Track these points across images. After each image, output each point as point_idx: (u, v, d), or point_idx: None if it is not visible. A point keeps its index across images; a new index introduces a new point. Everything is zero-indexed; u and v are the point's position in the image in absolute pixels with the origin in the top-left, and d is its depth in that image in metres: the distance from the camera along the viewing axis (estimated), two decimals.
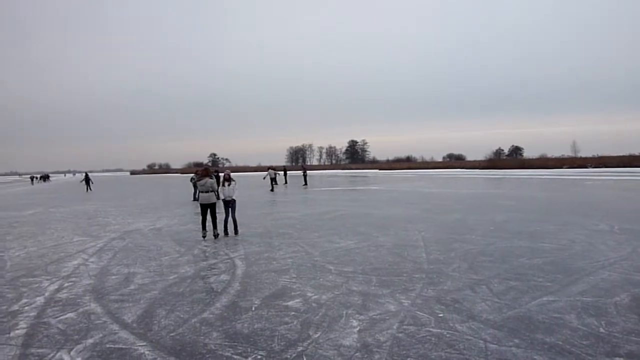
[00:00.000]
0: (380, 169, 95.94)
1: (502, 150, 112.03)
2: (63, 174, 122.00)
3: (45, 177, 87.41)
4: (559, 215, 12.16)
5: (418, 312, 4.73)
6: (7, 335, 4.44)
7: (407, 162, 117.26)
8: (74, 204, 22.10)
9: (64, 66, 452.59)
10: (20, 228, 13.04)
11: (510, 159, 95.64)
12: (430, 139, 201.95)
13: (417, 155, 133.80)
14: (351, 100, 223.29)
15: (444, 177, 45.02)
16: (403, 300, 5.14)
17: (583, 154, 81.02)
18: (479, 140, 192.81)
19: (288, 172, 38.79)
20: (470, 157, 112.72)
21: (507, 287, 5.56)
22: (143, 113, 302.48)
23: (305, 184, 33.47)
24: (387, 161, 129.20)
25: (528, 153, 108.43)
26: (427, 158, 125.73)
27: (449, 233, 9.84)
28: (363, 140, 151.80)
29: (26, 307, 5.34)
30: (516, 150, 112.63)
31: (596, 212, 12.76)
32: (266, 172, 30.64)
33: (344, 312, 4.77)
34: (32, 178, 78.03)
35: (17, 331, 4.54)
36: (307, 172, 36.98)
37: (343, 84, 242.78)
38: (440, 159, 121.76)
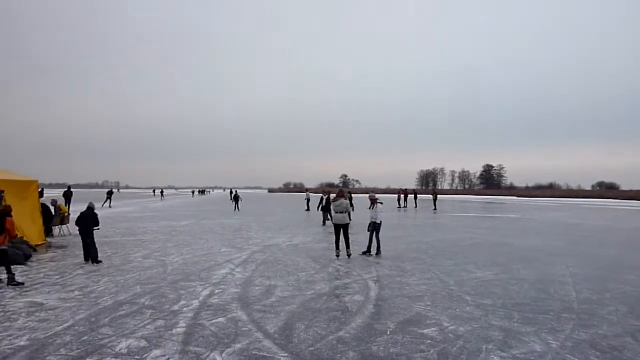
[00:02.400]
0: (518, 196, 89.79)
1: None
2: (211, 190, 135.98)
3: (202, 192, 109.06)
4: None
5: (569, 356, 4.34)
6: (171, 332, 5.02)
7: (549, 190, 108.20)
8: (222, 218, 24.21)
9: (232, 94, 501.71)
10: (178, 237, 14.66)
11: None
12: (577, 164, 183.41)
13: (561, 182, 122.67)
14: (487, 122, 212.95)
15: (593, 208, 40.66)
16: (550, 341, 4.75)
17: None
18: (637, 168, 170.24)
19: (418, 195, 37.93)
20: (625, 187, 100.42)
21: None
22: (280, 137, 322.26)
23: (435, 208, 32.66)
24: (527, 188, 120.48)
25: None
26: (574, 186, 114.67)
27: (603, 270, 8.88)
28: (500, 165, 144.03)
29: (184, 309, 5.98)
30: None
31: None
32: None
33: (484, 347, 4.56)
34: (192, 192, 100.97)
35: (178, 329, 5.11)
36: (438, 196, 36.01)
37: (477, 105, 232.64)
38: (588, 188, 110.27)
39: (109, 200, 35.75)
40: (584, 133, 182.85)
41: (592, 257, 10.62)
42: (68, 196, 29.73)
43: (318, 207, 20.56)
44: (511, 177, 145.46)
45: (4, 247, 7.51)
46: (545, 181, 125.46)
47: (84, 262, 9.49)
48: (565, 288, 7.36)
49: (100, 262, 9.43)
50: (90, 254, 9.46)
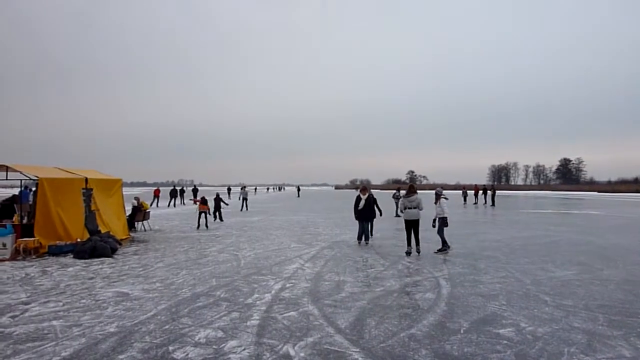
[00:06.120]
0: (599, 191, 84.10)
1: None
2: (275, 187, 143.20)
3: (280, 188, 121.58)
4: None
5: None
6: (245, 324, 5.19)
7: (635, 184, 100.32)
8: (289, 214, 24.72)
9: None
10: (250, 232, 15.18)
11: None
12: None
13: None
14: (566, 115, 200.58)
15: None
16: None
17: None
18: None
19: (489, 191, 36.54)
20: None
21: None
22: (344, 133, 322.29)
23: (493, 204, 32.29)
24: (609, 182, 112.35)
25: None
26: None
27: None
28: (578, 159, 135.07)
29: (258, 302, 6.17)
30: None
31: None
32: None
33: (566, 350, 4.32)
34: (267, 188, 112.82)
35: (252, 321, 5.28)
36: (496, 192, 34.96)
37: (554, 94, 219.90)
38: None
39: (179, 198, 36.86)
40: None
41: None
42: (174, 193, 35.15)
43: (355, 213, 12.43)
44: (591, 171, 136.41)
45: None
46: (630, 175, 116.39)
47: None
48: None
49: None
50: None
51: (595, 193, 79.36)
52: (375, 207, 12.54)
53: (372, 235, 12.93)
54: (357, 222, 12.25)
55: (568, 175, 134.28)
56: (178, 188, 37.00)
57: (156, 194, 35.86)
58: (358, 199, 12.27)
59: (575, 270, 8.32)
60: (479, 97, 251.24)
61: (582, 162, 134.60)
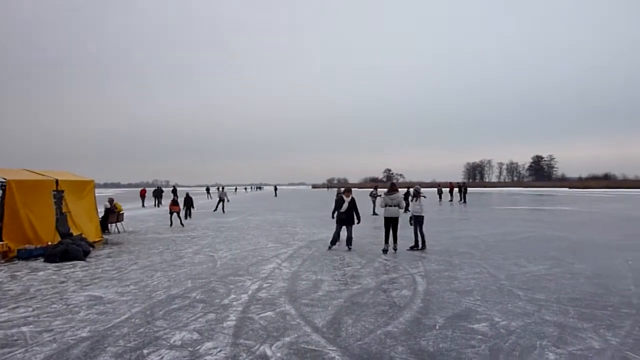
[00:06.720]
0: (570, 188, 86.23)
1: None
2: (253, 187, 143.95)
3: (259, 187, 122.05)
4: None
5: (629, 353, 4.14)
6: (221, 325, 5.14)
7: (605, 180, 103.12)
8: (267, 214, 24.59)
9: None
10: (226, 232, 15.03)
11: None
12: (635, 153, 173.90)
13: (617, 172, 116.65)
14: (538, 112, 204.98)
15: None
16: (609, 338, 4.55)
17: None
18: None
19: (468, 189, 37.48)
20: None
21: None
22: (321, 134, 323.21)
23: (464, 201, 33.32)
24: (580, 179, 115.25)
25: None
26: (631, 176, 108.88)
27: None
28: (550, 156, 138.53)
29: (234, 303, 6.12)
30: None
31: None
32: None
33: (538, 343, 4.41)
34: (245, 188, 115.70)
35: (228, 322, 5.23)
36: (467, 189, 36.04)
37: (524, 95, 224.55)
38: None
39: (158, 199, 36.75)
40: None
41: None
42: (158, 193, 34.88)
43: (333, 213, 11.89)
44: (562, 168, 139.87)
45: None
46: (599, 172, 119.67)
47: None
48: (624, 282, 7.03)
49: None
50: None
51: (567, 189, 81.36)
52: (354, 213, 11.18)
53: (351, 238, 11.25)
54: (333, 221, 11.87)
55: (540, 172, 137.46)
56: (160, 189, 36.69)
57: (142, 194, 35.72)
58: (341, 200, 11.18)
59: (548, 265, 8.51)
60: (455, 99, 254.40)
61: (553, 159, 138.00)
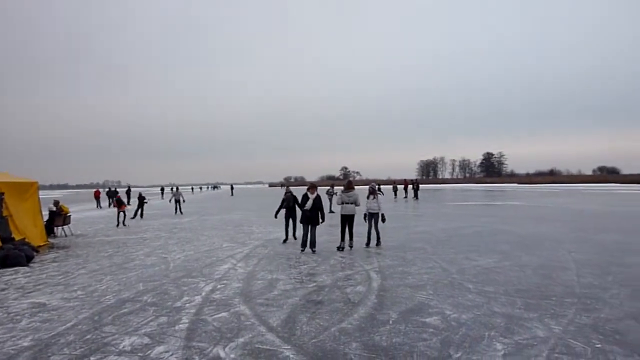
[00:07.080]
0: (519, 183, 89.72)
1: None
2: (209, 187, 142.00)
3: (215, 187, 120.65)
4: None
5: (571, 341, 4.34)
6: (173, 328, 5.02)
7: (550, 176, 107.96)
8: (223, 213, 24.23)
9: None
10: (180, 233, 14.69)
11: None
12: (578, 150, 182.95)
13: (561, 168, 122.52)
14: (487, 111, 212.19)
15: (595, 193, 40.71)
16: (553, 326, 4.75)
17: None
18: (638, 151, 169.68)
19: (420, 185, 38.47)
20: (626, 171, 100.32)
21: None
22: (278, 132, 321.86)
23: (417, 197, 34.52)
24: (527, 175, 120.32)
25: None
26: (574, 171, 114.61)
27: (605, 255, 8.87)
28: (500, 153, 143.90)
29: (187, 305, 5.98)
30: None
31: None
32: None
33: (486, 334, 4.56)
34: (200, 187, 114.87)
35: (181, 325, 5.11)
36: (419, 186, 37.39)
37: (476, 93, 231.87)
38: (589, 173, 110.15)
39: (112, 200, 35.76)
40: (584, 119, 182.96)
41: (594, 242, 10.62)
42: (113, 194, 32.65)
43: (276, 213, 12.41)
44: (511, 165, 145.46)
45: None
46: (545, 168, 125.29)
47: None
48: (568, 273, 7.36)
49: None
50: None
51: (516, 184, 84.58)
52: (319, 212, 10.35)
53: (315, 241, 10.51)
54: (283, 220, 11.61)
55: (491, 169, 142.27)
56: (114, 190, 35.58)
57: (97, 196, 34.57)
58: (305, 197, 10.34)
59: (497, 258, 8.80)
60: (415, 97, 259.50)
61: (503, 155, 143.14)
